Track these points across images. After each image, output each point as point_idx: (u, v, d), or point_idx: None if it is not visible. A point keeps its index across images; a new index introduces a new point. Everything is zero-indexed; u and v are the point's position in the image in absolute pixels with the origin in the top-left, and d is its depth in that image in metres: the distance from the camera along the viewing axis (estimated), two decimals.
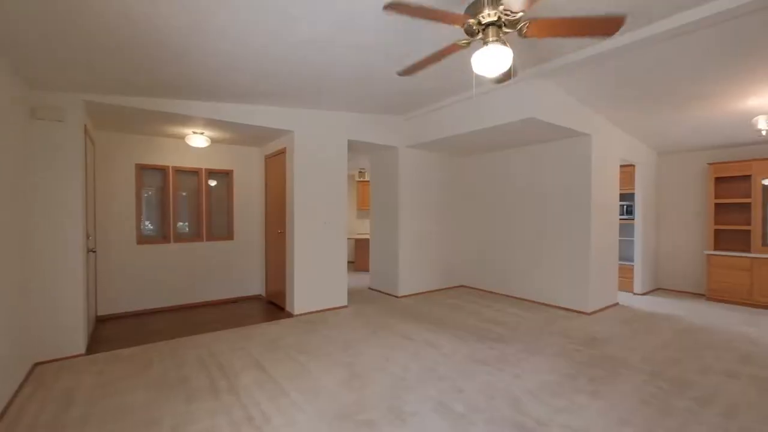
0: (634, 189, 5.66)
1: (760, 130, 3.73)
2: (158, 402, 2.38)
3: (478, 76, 3.30)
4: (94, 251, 3.92)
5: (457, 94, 4.13)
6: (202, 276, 4.97)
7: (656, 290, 5.90)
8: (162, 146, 4.68)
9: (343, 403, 2.35)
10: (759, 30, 2.52)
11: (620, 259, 5.61)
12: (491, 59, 1.76)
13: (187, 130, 4.30)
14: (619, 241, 5.43)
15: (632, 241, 5.72)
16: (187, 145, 4.68)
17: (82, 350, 3.21)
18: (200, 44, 2.48)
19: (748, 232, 5.03)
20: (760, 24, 2.44)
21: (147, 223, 4.74)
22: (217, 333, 3.74)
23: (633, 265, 5.65)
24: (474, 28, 1.84)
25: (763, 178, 4.89)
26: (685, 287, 5.79)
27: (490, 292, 5.61)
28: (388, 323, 4.05)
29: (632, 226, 5.73)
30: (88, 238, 3.45)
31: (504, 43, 1.80)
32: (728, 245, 5.26)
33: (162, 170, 4.73)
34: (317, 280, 4.51)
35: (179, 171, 4.84)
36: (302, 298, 4.39)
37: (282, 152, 4.62)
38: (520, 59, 3.13)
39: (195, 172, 4.97)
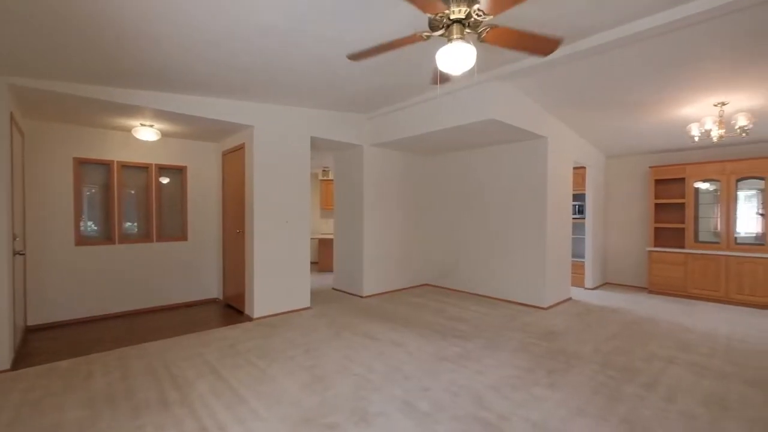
0: (585, 190, 6.00)
1: (693, 137, 4.08)
2: (98, 419, 2.16)
3: (442, 74, 3.33)
4: (23, 254, 3.52)
5: (421, 95, 4.15)
6: (152, 279, 4.63)
7: (605, 285, 6.30)
8: (106, 139, 4.29)
9: (305, 407, 2.27)
10: (690, 45, 2.74)
11: (573, 256, 5.93)
12: (457, 56, 1.77)
13: (135, 122, 3.98)
14: (572, 239, 5.74)
15: (583, 239, 6.07)
16: (136, 139, 4.34)
17: (7, 365, 2.86)
18: (145, 28, 2.28)
19: (683, 229, 5.50)
20: (690, 39, 2.65)
21: (90, 222, 4.34)
22: (169, 340, 3.49)
23: (584, 262, 5.99)
24: (441, 21, 1.83)
25: (695, 181, 5.37)
26: (630, 281, 6.24)
27: (454, 291, 5.71)
28: (352, 324, 3.99)
29: (583, 224, 6.07)
30: (14, 239, 3.08)
31: (468, 42, 1.81)
32: (666, 242, 5.72)
33: (106, 165, 4.34)
34: (279, 281, 4.35)
35: (126, 166, 4.48)
36: (263, 301, 4.22)
37: (241, 148, 4.41)
38: (480, 61, 3.20)
39: (144, 168, 4.62)
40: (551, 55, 2.90)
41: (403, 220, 5.84)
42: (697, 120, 4.12)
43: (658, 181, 5.72)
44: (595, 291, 5.81)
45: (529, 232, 4.81)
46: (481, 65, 3.30)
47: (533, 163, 4.76)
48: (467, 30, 1.82)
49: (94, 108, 3.50)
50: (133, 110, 3.57)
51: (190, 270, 4.95)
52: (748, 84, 3.36)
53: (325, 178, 8.33)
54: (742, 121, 3.71)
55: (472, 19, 1.77)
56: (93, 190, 4.36)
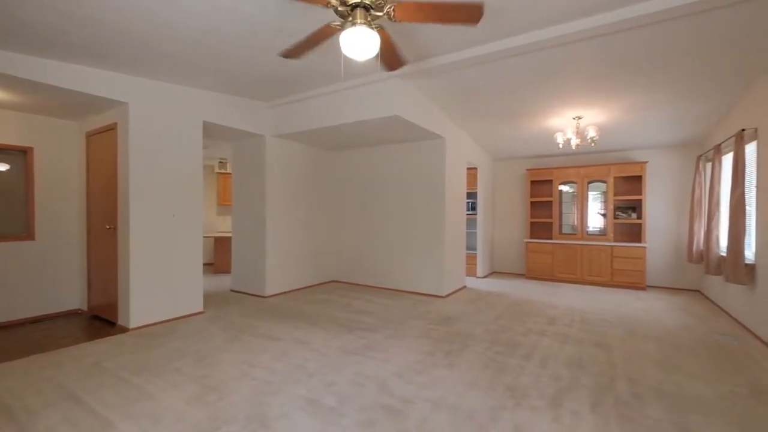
0: (476, 189, 6.65)
1: (558, 144, 4.84)
2: None
3: (346, 66, 3.30)
4: None
5: (326, 86, 4.07)
6: None
7: (493, 273, 7.08)
8: None
9: (192, 422, 2.00)
10: (557, 63, 3.23)
11: (466, 248, 6.52)
12: (358, 41, 1.74)
13: None
14: (466, 233, 6.30)
15: (475, 233, 6.72)
16: None
17: None
18: None
19: (551, 223, 6.50)
20: (556, 59, 3.13)
21: None
22: (7, 365, 2.74)
23: (476, 254, 6.63)
24: (341, 9, 1.79)
25: (559, 183, 6.40)
26: (512, 269, 7.13)
27: (361, 285, 5.76)
28: (252, 326, 3.70)
29: (475, 220, 6.72)
30: None
31: (371, 27, 1.81)
32: (539, 234, 6.69)
33: None
34: (163, 284, 3.79)
35: None
36: (141, 308, 3.62)
37: (111, 129, 3.72)
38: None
39: None
40: (447, 56, 3.14)
41: (308, 216, 5.66)
42: (561, 130, 4.90)
43: (533, 182, 6.65)
44: (485, 279, 6.48)
45: (429, 226, 5.11)
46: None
47: (433, 162, 5.08)
48: (374, 13, 1.81)
49: None
50: None
51: (39, 276, 3.99)
52: (596, 102, 4.11)
53: (222, 170, 7.61)
54: (592, 132, 4.52)
55: (371, 1, 1.76)
56: None
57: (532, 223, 6.70)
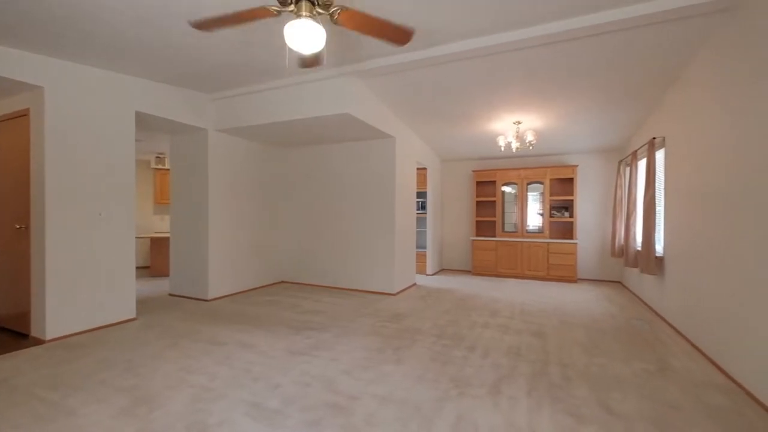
0: (426, 188, 6.83)
1: (500, 147, 5.13)
2: None
3: (291, 60, 3.24)
4: None
5: (275, 80, 3.95)
6: None
7: (442, 271, 7.32)
8: None
9: None
10: (499, 69, 3.42)
11: (417, 247, 6.67)
12: (304, 34, 1.71)
13: None
14: (416, 232, 6.45)
15: (425, 232, 6.90)
16: None
17: None
18: None
19: (495, 222, 6.87)
20: (498, 65, 3.32)
21: None
22: None
23: (426, 252, 6.81)
24: None
25: (502, 184, 6.78)
26: (460, 266, 7.42)
27: (311, 285, 5.65)
28: (193, 330, 3.48)
29: (425, 219, 6.90)
30: None
31: (317, 22, 1.78)
32: (484, 232, 7.04)
33: None
34: (87, 290, 3.43)
35: None
36: (60, 317, 3.25)
37: (23, 115, 3.29)
38: (337, 56, 3.25)
39: None
40: (397, 56, 3.20)
41: (256, 214, 5.45)
42: (503, 134, 5.19)
43: (478, 183, 6.98)
44: (434, 276, 6.68)
45: (380, 225, 5.16)
46: (338, 59, 3.34)
47: (383, 161, 5.13)
48: (318, 9, 1.79)
49: None
50: None
51: None
52: (533, 108, 4.41)
53: (160, 166, 7.06)
54: (530, 136, 4.85)
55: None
56: None
57: (477, 222, 7.03)
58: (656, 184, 3.99)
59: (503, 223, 6.81)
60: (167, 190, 6.80)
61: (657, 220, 4.03)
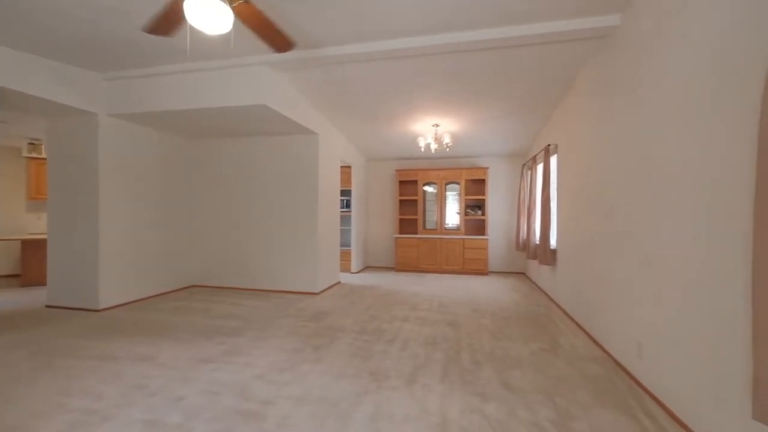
0: (351, 186, 6.83)
1: (420, 147, 5.36)
2: None
3: (211, 45, 2.98)
4: None
5: (184, 62, 3.60)
6: None
7: (366, 268, 7.39)
8: None
9: None
10: (415, 73, 3.57)
11: (341, 245, 6.64)
12: (207, 11, 1.57)
13: None
14: (340, 230, 6.42)
15: (350, 230, 6.90)
16: None
17: None
18: None
19: (416, 220, 7.16)
20: (416, 68, 3.46)
21: None
22: None
23: (351, 250, 6.82)
24: None
25: (423, 184, 7.09)
26: (384, 264, 7.58)
27: (226, 288, 5.27)
28: (76, 347, 2.99)
29: (350, 217, 6.91)
30: None
31: (224, 2, 1.66)
32: (407, 230, 7.29)
33: None
34: None
35: None
36: None
37: None
38: (252, 43, 3.07)
39: None
40: (314, 52, 3.14)
41: (161, 213, 4.89)
42: (423, 135, 5.43)
43: (401, 182, 7.20)
44: (359, 274, 6.71)
45: (303, 223, 5.01)
46: (253, 46, 3.16)
47: (306, 158, 4.99)
48: None
49: None
50: None
51: None
52: (450, 112, 4.69)
53: (35, 155, 5.94)
54: (447, 139, 5.14)
55: None
56: None
57: (401, 220, 7.25)
58: (551, 186, 4.53)
59: (425, 221, 7.13)
60: (45, 184, 5.75)
61: (552, 217, 4.58)
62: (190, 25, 1.68)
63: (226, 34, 2.59)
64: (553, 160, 4.68)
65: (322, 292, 5.09)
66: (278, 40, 2.09)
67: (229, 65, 3.57)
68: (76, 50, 3.29)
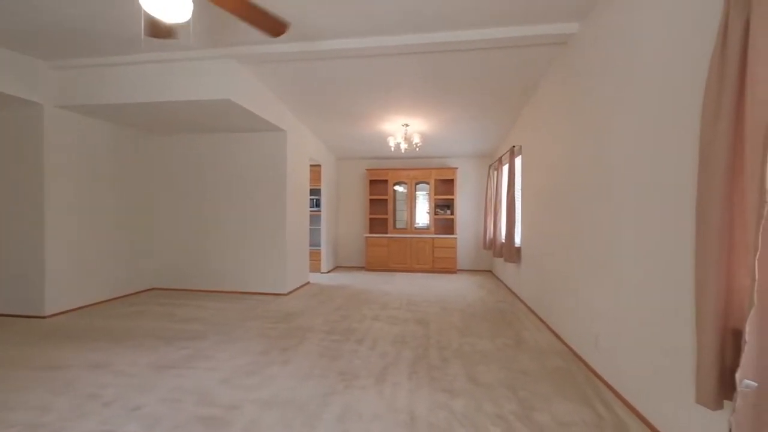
0: (320, 185, 6.75)
1: (390, 147, 5.38)
2: None
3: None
4: None
5: (143, 52, 3.40)
6: None
7: (336, 268, 7.33)
8: None
9: None
10: (388, 72, 3.58)
11: (310, 245, 6.55)
12: None
13: None
14: (310, 229, 6.32)
15: (320, 229, 6.82)
16: None
17: None
18: None
19: (386, 219, 7.19)
20: (388, 67, 3.48)
21: None
22: None
23: (320, 249, 6.74)
24: None
25: (394, 183, 7.13)
26: (354, 263, 7.55)
27: (190, 290, 5.05)
28: (18, 356, 2.76)
29: (320, 216, 6.82)
30: None
31: None
32: (377, 229, 7.30)
33: None
34: None
35: None
36: None
37: None
38: (214, 34, 2.95)
39: None
40: (280, 42, 3.07)
41: (122, 211, 4.60)
42: (393, 135, 5.46)
43: (371, 181, 7.20)
44: (329, 274, 6.65)
45: (270, 223, 4.89)
46: (216, 38, 3.04)
47: (274, 155, 4.88)
48: None
49: None
50: None
51: None
52: (420, 112, 4.74)
53: None
54: (416, 139, 5.20)
55: None
56: None
57: (371, 219, 7.25)
58: (516, 186, 4.69)
59: (395, 220, 7.17)
60: None
61: (516, 216, 4.75)
62: (145, 12, 1.58)
63: (186, 23, 2.48)
64: (518, 162, 4.85)
65: (291, 292, 5.00)
66: (268, 23, 1.95)
67: (192, 57, 3.42)
68: (17, 34, 3.03)
